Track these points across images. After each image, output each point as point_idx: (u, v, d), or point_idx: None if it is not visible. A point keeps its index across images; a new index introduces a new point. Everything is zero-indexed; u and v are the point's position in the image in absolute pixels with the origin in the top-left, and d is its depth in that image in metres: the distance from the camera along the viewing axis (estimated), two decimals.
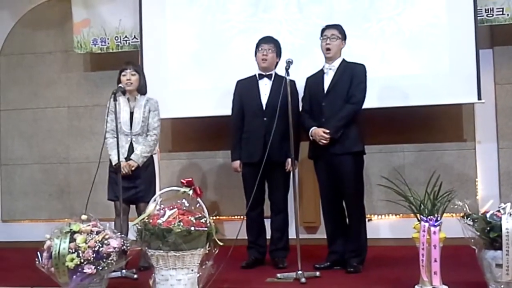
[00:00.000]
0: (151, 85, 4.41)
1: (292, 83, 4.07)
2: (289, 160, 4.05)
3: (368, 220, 4.45)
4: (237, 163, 4.32)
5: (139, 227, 3.17)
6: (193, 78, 5.24)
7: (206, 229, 3.13)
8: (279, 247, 4.26)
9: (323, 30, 4.12)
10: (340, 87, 4.01)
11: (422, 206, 3.24)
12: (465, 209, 3.23)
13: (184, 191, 3.26)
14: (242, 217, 4.23)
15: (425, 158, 5.17)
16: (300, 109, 4.22)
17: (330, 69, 4.08)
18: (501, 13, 4.87)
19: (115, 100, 4.04)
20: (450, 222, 3.33)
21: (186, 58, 5.28)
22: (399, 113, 5.00)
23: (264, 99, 4.26)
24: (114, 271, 3.44)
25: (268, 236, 4.35)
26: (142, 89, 4.32)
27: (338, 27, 4.11)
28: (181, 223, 3.06)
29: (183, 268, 3.09)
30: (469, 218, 3.20)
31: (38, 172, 5.92)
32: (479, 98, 4.78)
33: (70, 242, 3.14)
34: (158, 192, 3.57)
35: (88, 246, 3.13)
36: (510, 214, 3.09)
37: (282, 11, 5.10)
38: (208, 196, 5.33)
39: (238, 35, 5.13)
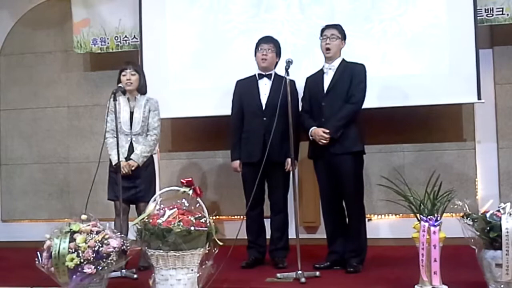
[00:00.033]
0: (150, 84, 4.41)
1: (292, 83, 4.07)
2: (289, 160, 4.05)
3: (368, 220, 4.46)
4: (236, 163, 4.32)
5: (139, 227, 3.17)
6: (193, 78, 5.24)
7: (206, 229, 3.13)
8: (279, 247, 4.26)
9: (322, 30, 4.12)
10: (340, 87, 4.01)
11: (422, 206, 3.24)
12: (465, 209, 3.23)
13: (184, 191, 3.26)
14: (242, 217, 4.23)
15: (425, 158, 5.17)
16: (300, 109, 4.22)
17: (330, 69, 4.09)
18: (501, 13, 4.87)
19: (115, 100, 4.04)
20: (450, 222, 3.33)
21: (186, 58, 5.28)
22: (399, 113, 5.01)
23: (263, 99, 4.26)
24: (114, 271, 3.44)
25: (268, 236, 4.35)
26: (142, 89, 4.32)
27: (337, 27, 4.11)
28: (181, 223, 3.06)
29: (183, 268, 3.09)
30: (469, 218, 3.20)
31: (38, 172, 5.92)
32: (479, 98, 4.78)
33: (70, 242, 3.14)
34: (158, 192, 3.56)
35: (88, 246, 3.13)
36: (510, 214, 3.10)
37: (283, 11, 5.10)
38: (208, 196, 5.34)
39: (239, 36, 5.13)
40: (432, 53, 4.85)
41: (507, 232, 3.04)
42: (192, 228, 3.06)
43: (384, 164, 5.18)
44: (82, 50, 5.62)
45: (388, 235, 5.14)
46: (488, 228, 3.10)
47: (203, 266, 3.16)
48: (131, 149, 4.23)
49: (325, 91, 4.05)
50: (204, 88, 5.17)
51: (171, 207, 3.19)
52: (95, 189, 4.10)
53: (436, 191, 3.24)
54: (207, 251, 3.16)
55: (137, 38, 5.44)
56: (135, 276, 3.85)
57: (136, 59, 5.25)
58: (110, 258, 3.16)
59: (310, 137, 4.05)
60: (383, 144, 5.19)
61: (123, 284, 3.68)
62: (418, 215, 3.24)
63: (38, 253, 3.23)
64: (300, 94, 4.25)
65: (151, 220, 3.12)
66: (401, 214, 4.93)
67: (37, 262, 3.21)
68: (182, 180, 3.31)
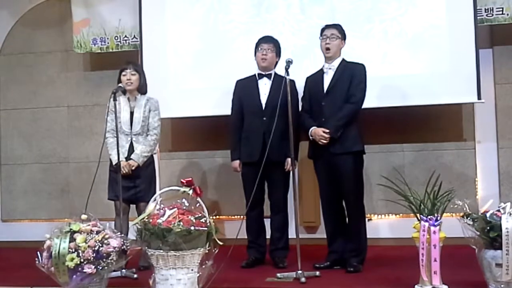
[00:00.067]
0: (150, 84, 4.41)
1: (292, 82, 4.07)
2: (289, 159, 4.05)
3: (368, 220, 4.46)
4: (236, 163, 4.32)
5: (139, 227, 3.17)
6: (193, 78, 5.24)
7: (206, 228, 3.13)
8: (279, 246, 4.26)
9: (322, 30, 4.12)
10: (340, 86, 4.01)
11: (422, 206, 3.24)
12: (465, 209, 3.23)
13: (184, 191, 3.26)
14: (242, 216, 4.23)
15: (425, 158, 5.17)
16: (300, 108, 4.22)
17: (329, 68, 4.08)
18: (500, 12, 4.87)
19: (115, 99, 4.04)
20: (450, 222, 3.33)
21: (186, 57, 5.28)
22: (399, 113, 5.01)
23: (263, 98, 4.26)
24: (114, 270, 3.43)
25: (268, 236, 4.35)
26: (142, 89, 4.31)
27: (337, 27, 4.11)
28: (181, 223, 3.06)
29: (183, 268, 3.09)
30: (469, 218, 3.20)
31: (38, 171, 5.92)
32: (479, 98, 4.78)
33: (70, 242, 3.14)
34: (158, 192, 3.56)
35: (88, 246, 3.13)
36: (510, 214, 3.10)
37: (284, 11, 5.10)
38: (208, 195, 5.34)
39: (240, 36, 5.13)
40: (432, 53, 4.85)
41: (507, 232, 3.04)
42: (192, 228, 3.06)
43: (384, 164, 5.18)
44: (82, 50, 5.63)
45: (388, 235, 5.15)
46: (488, 228, 3.10)
47: (203, 266, 3.16)
48: (131, 149, 4.23)
49: (325, 91, 4.05)
50: (204, 88, 5.17)
51: (171, 207, 3.19)
52: (95, 189, 4.10)
53: (436, 191, 3.25)
54: (207, 251, 3.16)
55: (137, 38, 5.44)
56: (135, 276, 3.85)
57: (136, 59, 5.25)
58: (110, 258, 3.16)
59: (310, 137, 4.05)
60: (383, 144, 5.19)
61: (123, 284, 3.68)
62: (418, 215, 3.24)
63: (38, 253, 3.22)
64: (300, 94, 4.25)
65: (151, 220, 3.12)
66: (401, 214, 4.93)
67: (37, 262, 3.21)
68: (182, 180, 3.30)
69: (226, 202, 5.41)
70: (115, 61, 5.24)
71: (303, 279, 3.62)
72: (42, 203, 5.88)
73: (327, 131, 3.93)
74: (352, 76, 4.01)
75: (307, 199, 5.15)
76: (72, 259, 3.08)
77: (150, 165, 4.32)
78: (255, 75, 4.34)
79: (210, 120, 5.23)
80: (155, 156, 4.51)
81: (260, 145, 4.15)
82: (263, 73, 4.31)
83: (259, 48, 4.28)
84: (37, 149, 5.94)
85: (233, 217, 5.26)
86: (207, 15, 5.26)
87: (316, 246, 4.57)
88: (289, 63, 3.92)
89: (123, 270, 3.80)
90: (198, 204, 3.26)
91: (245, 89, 4.35)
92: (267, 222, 4.34)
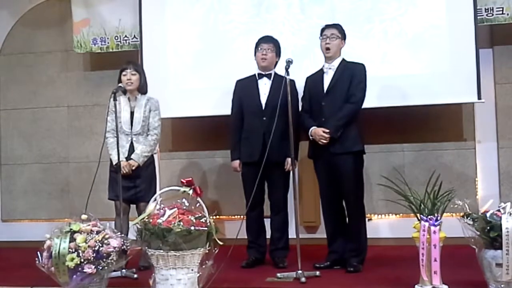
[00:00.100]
0: (150, 84, 4.41)
1: (292, 82, 4.07)
2: (289, 159, 4.05)
3: (368, 220, 4.47)
4: (236, 163, 4.32)
5: (139, 227, 3.17)
6: (193, 78, 5.24)
7: (206, 228, 3.13)
8: (279, 246, 4.26)
9: (322, 30, 4.12)
10: (340, 86, 4.01)
11: (422, 206, 3.24)
12: (465, 209, 3.23)
13: (184, 191, 3.26)
14: (242, 216, 4.23)
15: (425, 158, 5.17)
16: (300, 108, 4.22)
17: (329, 68, 4.08)
18: (501, 12, 4.87)
19: (115, 99, 4.04)
20: (450, 222, 3.34)
21: (186, 57, 5.28)
22: (399, 113, 5.01)
23: (263, 98, 4.26)
24: (114, 270, 3.43)
25: (268, 236, 4.35)
26: (142, 89, 4.31)
27: (337, 27, 4.11)
28: (181, 223, 3.06)
29: (183, 268, 3.09)
30: (469, 218, 3.20)
31: (38, 171, 5.92)
32: (479, 98, 4.78)
33: (70, 242, 3.14)
34: (158, 192, 3.56)
35: (88, 246, 3.13)
36: (510, 214, 3.10)
37: (284, 11, 5.10)
38: (208, 195, 5.33)
39: (240, 36, 5.13)
40: (432, 53, 4.85)
41: (507, 231, 3.04)
42: (192, 228, 3.06)
43: (384, 164, 5.18)
44: (82, 50, 5.63)
45: (388, 235, 5.15)
46: (488, 227, 3.10)
47: (203, 266, 3.16)
48: (131, 149, 4.23)
49: (325, 91, 4.05)
50: (204, 88, 5.17)
51: (171, 207, 3.19)
52: (95, 189, 4.10)
53: (436, 190, 3.25)
54: (207, 251, 3.16)
55: (137, 38, 5.44)
56: (135, 276, 3.85)
57: (136, 58, 5.25)
58: (110, 258, 3.16)
59: (310, 137, 4.05)
60: (383, 143, 5.19)
61: (123, 284, 3.68)
62: (418, 214, 3.24)
63: (38, 253, 3.22)
64: (300, 93, 4.25)
65: (151, 220, 3.12)
66: (401, 214, 4.93)
67: (37, 262, 3.21)
68: (182, 180, 3.30)
69: (226, 202, 5.41)
70: (115, 61, 5.24)
71: (303, 279, 3.62)
72: (42, 203, 5.88)
73: (327, 131, 3.92)
74: (352, 76, 4.01)
75: (307, 199, 5.15)
76: (72, 259, 3.08)
77: (150, 165, 4.32)
78: (255, 75, 4.34)
79: (210, 120, 5.23)
80: (155, 156, 4.51)
81: (260, 145, 4.14)
82: (263, 73, 4.31)
83: (259, 48, 4.28)
84: (37, 149, 5.94)
85: (233, 217, 5.26)
86: (207, 15, 5.26)
87: (316, 246, 4.57)
88: (289, 63, 3.92)
89: (123, 270, 3.80)
90: (198, 204, 3.26)
91: (245, 89, 4.35)
92: (267, 222, 4.33)
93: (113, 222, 4.06)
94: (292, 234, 4.17)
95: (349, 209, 4.05)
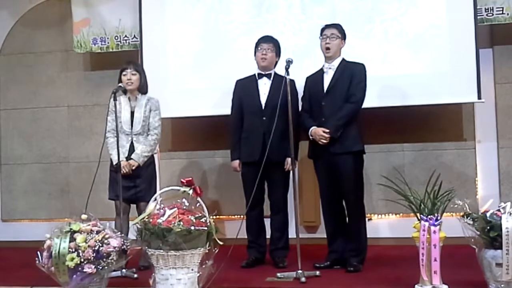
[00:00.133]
0: (150, 84, 4.40)
1: (292, 82, 4.07)
2: (289, 159, 4.05)
3: (368, 220, 4.47)
4: (236, 163, 4.32)
5: (139, 227, 3.17)
6: (194, 78, 5.24)
7: (206, 228, 3.13)
8: (279, 246, 4.26)
9: (322, 30, 4.12)
10: (340, 86, 4.01)
11: (422, 206, 3.24)
12: (465, 209, 3.23)
13: (184, 191, 3.26)
14: (242, 216, 4.23)
15: (425, 158, 5.17)
16: (300, 108, 4.22)
17: (330, 68, 4.08)
18: (501, 12, 4.87)
19: (115, 99, 4.05)
20: (450, 222, 3.34)
21: (186, 57, 5.28)
22: (399, 113, 5.01)
23: (263, 98, 4.26)
24: (114, 270, 3.43)
25: (268, 236, 4.35)
26: (143, 89, 4.31)
27: (337, 27, 4.11)
28: (181, 223, 3.06)
29: (183, 268, 3.09)
30: (469, 218, 3.20)
31: (38, 171, 5.92)
32: (479, 98, 4.78)
33: (70, 242, 3.14)
34: (158, 192, 3.56)
35: (88, 246, 3.13)
36: (510, 214, 3.10)
37: (285, 12, 5.10)
38: (208, 195, 5.33)
39: (241, 36, 5.12)
40: (432, 53, 4.85)
41: (507, 231, 3.04)
42: (192, 227, 3.06)
43: (384, 164, 5.18)
44: (82, 50, 5.63)
45: (388, 235, 5.15)
46: (488, 227, 3.10)
47: (203, 266, 3.16)
48: (131, 149, 4.23)
49: (325, 91, 4.05)
50: (204, 88, 5.17)
51: (171, 206, 3.19)
52: (95, 188, 4.10)
53: (436, 190, 3.24)
54: (207, 251, 3.16)
55: (137, 38, 5.44)
56: (135, 275, 3.85)
57: (136, 58, 5.25)
58: (110, 258, 3.16)
59: (310, 137, 4.05)
60: (383, 143, 5.19)
61: (123, 284, 3.68)
62: (418, 214, 3.24)
63: (38, 252, 3.22)
64: (300, 93, 4.25)
65: (151, 220, 3.12)
66: (401, 214, 4.93)
67: (37, 261, 3.21)
68: (182, 180, 3.30)
69: (226, 202, 5.41)
70: (115, 61, 5.24)
71: (303, 279, 3.62)
72: (42, 203, 5.88)
73: (327, 130, 3.92)
74: (352, 76, 4.01)
75: (307, 199, 5.15)
76: (72, 259, 3.08)
77: (150, 165, 4.32)
78: (254, 75, 4.34)
79: (210, 120, 5.23)
80: (156, 156, 4.51)
81: (260, 145, 4.15)
82: (263, 73, 4.31)
83: (259, 48, 4.28)
84: (37, 149, 5.94)
85: (233, 217, 5.26)
86: (208, 15, 5.26)
87: (316, 245, 4.57)
88: (289, 62, 3.92)
89: (123, 270, 3.80)
90: (198, 204, 3.26)
91: (245, 89, 4.35)
92: (267, 222, 4.33)
93: (113, 222, 4.05)
94: (292, 234, 4.17)
95: (349, 209, 4.05)
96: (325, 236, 4.19)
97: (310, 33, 4.79)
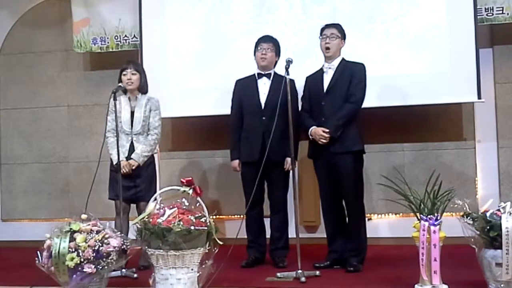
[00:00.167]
0: (150, 84, 4.40)
1: (292, 82, 4.07)
2: (288, 159, 4.05)
3: (368, 219, 4.47)
4: (236, 162, 4.32)
5: (139, 226, 3.17)
6: (194, 78, 5.24)
7: (206, 228, 3.13)
8: (279, 246, 4.26)
9: (322, 29, 4.12)
10: (340, 86, 4.01)
11: (422, 205, 3.24)
12: (465, 208, 3.23)
13: (184, 190, 3.26)
14: (242, 216, 4.23)
15: (425, 157, 5.17)
16: (300, 108, 4.22)
17: (329, 68, 4.08)
18: (501, 12, 4.87)
19: (115, 99, 4.05)
20: (450, 221, 3.34)
21: (186, 57, 5.28)
22: (399, 112, 5.00)
23: (262, 98, 4.26)
24: (114, 270, 3.43)
25: (268, 236, 4.35)
26: (143, 88, 4.31)
27: (337, 26, 4.11)
28: (181, 222, 3.06)
29: (183, 267, 3.09)
30: (469, 217, 3.20)
31: (38, 171, 5.92)
32: (479, 97, 4.78)
33: (70, 242, 3.14)
34: (158, 191, 3.56)
35: (88, 245, 3.13)
36: (510, 213, 3.10)
37: (286, 12, 5.10)
38: (208, 195, 5.33)
39: (241, 36, 5.12)
40: (432, 53, 4.85)
41: (507, 231, 3.04)
42: (192, 227, 3.06)
43: (384, 164, 5.18)
44: (82, 50, 5.63)
45: (388, 235, 5.15)
46: (488, 227, 3.10)
47: (203, 266, 3.16)
48: (132, 149, 4.23)
49: (325, 91, 4.05)
50: (204, 88, 5.17)
51: (171, 206, 3.19)
52: (95, 188, 4.10)
53: (436, 190, 3.24)
54: (207, 251, 3.16)
55: (137, 38, 5.44)
56: (135, 275, 3.85)
57: (136, 58, 5.24)
58: (110, 258, 3.16)
59: (310, 137, 4.05)
60: (383, 143, 5.19)
61: (123, 284, 3.67)
62: (418, 214, 3.24)
63: (38, 252, 3.22)
64: (300, 93, 4.25)
65: (151, 220, 3.12)
66: (401, 214, 4.93)
67: (37, 261, 3.21)
68: (182, 180, 3.30)
69: (226, 201, 5.41)
70: (115, 60, 5.24)
71: (303, 279, 3.62)
72: (42, 203, 5.88)
73: (327, 130, 3.92)
74: (352, 76, 4.01)
75: (307, 199, 5.15)
76: (72, 259, 3.09)
77: (150, 164, 4.32)
78: (254, 74, 4.34)
79: (210, 120, 5.23)
80: (156, 156, 4.51)
81: (260, 144, 4.15)
82: (263, 72, 4.31)
83: (259, 48, 4.28)
84: (37, 148, 5.94)
85: (233, 216, 5.26)
86: (208, 16, 5.26)
87: (316, 245, 4.57)
88: (289, 62, 3.91)
89: (123, 270, 3.80)
90: (198, 203, 3.26)
91: (244, 88, 4.35)
92: (267, 222, 4.33)
93: (113, 221, 4.06)
94: (292, 233, 4.17)
95: (349, 208, 4.04)
96: (325, 236, 4.19)
97: (311, 33, 4.78)
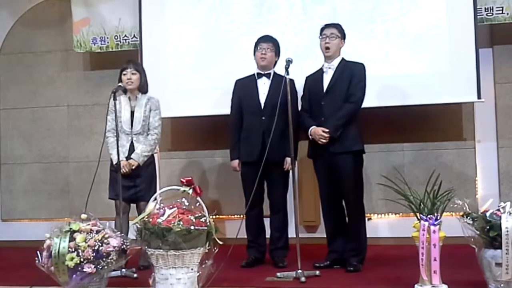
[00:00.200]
0: (150, 84, 4.40)
1: (291, 82, 4.07)
2: (288, 159, 4.05)
3: (368, 219, 4.47)
4: (235, 162, 4.32)
5: (139, 226, 3.17)
6: (194, 78, 5.24)
7: (206, 228, 3.13)
8: (279, 246, 4.26)
9: (322, 29, 4.12)
10: (340, 86, 4.01)
11: (422, 205, 3.24)
12: (464, 208, 3.23)
13: (184, 190, 3.26)
14: (241, 216, 4.23)
15: (425, 157, 5.17)
16: (300, 108, 4.22)
17: (329, 68, 4.08)
18: (500, 12, 4.87)
19: (114, 99, 4.04)
20: (449, 221, 3.34)
21: (186, 57, 5.28)
22: (399, 112, 5.01)
23: (262, 98, 4.26)
24: (113, 270, 3.43)
25: (268, 235, 4.35)
26: (143, 88, 4.31)
27: (337, 26, 4.11)
28: (181, 222, 3.06)
29: (183, 267, 3.09)
30: (468, 217, 3.20)
31: (38, 171, 5.92)
32: (479, 97, 4.78)
33: (70, 241, 3.14)
34: (158, 191, 3.56)
35: (88, 245, 3.13)
36: (510, 213, 3.10)
37: (286, 12, 5.10)
38: (208, 195, 5.33)
39: (241, 36, 5.12)
40: (432, 53, 4.85)
41: (507, 231, 3.04)
42: (192, 227, 3.06)
43: (384, 163, 5.18)
44: (82, 49, 5.63)
45: (388, 234, 5.15)
46: (488, 227, 3.10)
47: (203, 265, 3.16)
48: (132, 149, 4.23)
49: (324, 91, 4.05)
50: (204, 88, 5.17)
51: (171, 206, 3.19)
52: (95, 188, 4.10)
53: (436, 190, 3.24)
54: (207, 251, 3.16)
55: (137, 38, 5.44)
56: (135, 275, 3.85)
57: (136, 58, 5.24)
58: (110, 258, 3.16)
59: (310, 136, 4.05)
60: (383, 143, 5.19)
61: (123, 284, 3.67)
62: (418, 214, 3.24)
63: (38, 252, 3.22)
64: (300, 93, 4.25)
65: (151, 219, 3.12)
66: (401, 213, 4.93)
67: (37, 261, 3.21)
68: (182, 179, 3.30)
69: (226, 201, 5.41)
70: (115, 60, 5.24)
71: (303, 279, 3.62)
72: (42, 203, 5.88)
73: (327, 130, 3.92)
74: (352, 76, 4.01)
75: (307, 199, 5.14)
76: (72, 259, 3.09)
77: (150, 164, 4.31)
78: (254, 74, 4.34)
79: (210, 120, 5.24)
80: (155, 156, 4.51)
81: (259, 144, 4.15)
82: (262, 72, 4.31)
83: (258, 48, 4.28)
84: (37, 148, 5.94)
85: (233, 216, 5.26)
86: (208, 15, 5.26)
87: (316, 245, 4.57)
88: (289, 62, 3.91)
89: (123, 270, 3.80)
90: (198, 203, 3.26)
91: (244, 88, 4.35)
92: (267, 222, 4.33)
93: (113, 221, 4.06)
94: (292, 233, 4.17)
95: (348, 208, 4.04)
96: (325, 236, 4.19)
97: (311, 33, 4.77)
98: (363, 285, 3.56)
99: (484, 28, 5.02)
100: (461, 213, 3.25)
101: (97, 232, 3.22)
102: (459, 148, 5.13)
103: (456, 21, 4.80)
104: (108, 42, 5.54)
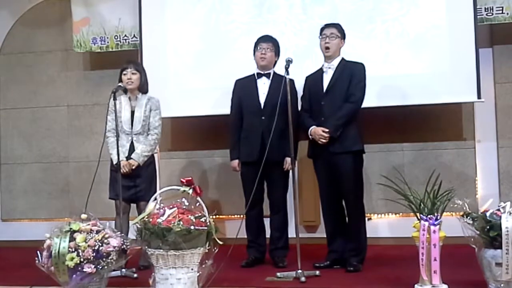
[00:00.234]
0: (150, 84, 4.40)
1: (291, 82, 4.07)
2: (288, 159, 4.05)
3: (368, 219, 4.47)
4: (235, 162, 4.32)
5: (139, 226, 3.17)
6: (194, 78, 5.24)
7: (206, 228, 3.13)
8: (279, 246, 4.26)
9: (322, 29, 4.12)
10: (340, 86, 4.01)
11: (422, 205, 3.24)
12: (464, 208, 3.23)
13: (184, 190, 3.26)
14: (241, 216, 4.23)
15: (424, 157, 5.17)
16: (300, 108, 4.22)
17: (329, 68, 4.08)
18: (500, 12, 4.87)
19: (114, 99, 4.04)
20: (449, 221, 3.34)
21: (186, 57, 5.28)
22: (399, 112, 5.01)
23: (262, 98, 4.26)
24: (114, 270, 3.43)
25: (268, 235, 4.35)
26: (143, 88, 4.31)
27: (337, 26, 4.11)
28: (181, 222, 3.06)
29: (183, 267, 3.09)
30: (468, 217, 3.20)
31: (38, 171, 5.92)
32: (479, 97, 4.78)
33: (70, 241, 3.14)
34: (158, 191, 3.56)
35: (88, 245, 3.13)
36: (510, 213, 3.10)
37: (286, 12, 5.10)
38: (208, 195, 5.33)
39: (241, 36, 5.12)
40: (432, 53, 4.85)
41: (507, 231, 3.04)
42: (192, 227, 3.06)
43: (384, 163, 5.18)
44: (82, 49, 5.63)
45: (388, 234, 5.15)
46: (488, 227, 3.10)
47: (203, 265, 3.16)
48: (132, 149, 4.23)
49: (324, 90, 4.05)
50: (204, 88, 5.17)
51: (171, 206, 3.19)
52: (95, 188, 4.10)
53: (436, 190, 3.24)
54: (207, 251, 3.16)
55: (137, 37, 5.44)
56: (135, 275, 3.85)
57: (136, 58, 5.24)
58: (110, 257, 3.16)
59: (310, 136, 4.05)
60: (383, 143, 5.19)
61: (123, 284, 3.67)
62: (418, 214, 3.24)
63: (38, 252, 3.22)
64: (300, 93, 4.25)
65: (151, 219, 3.12)
66: (401, 213, 4.93)
67: (37, 261, 3.21)
68: (182, 179, 3.30)
69: (226, 201, 5.41)
70: (115, 60, 5.24)
71: (303, 279, 3.62)
72: (42, 203, 5.88)
73: (327, 130, 3.92)
74: (352, 75, 4.01)
75: (307, 199, 5.14)
76: (72, 259, 3.09)
77: (150, 164, 4.31)
78: (254, 74, 4.34)
79: (209, 120, 5.24)
80: (156, 156, 4.51)
81: (259, 144, 4.15)
82: (262, 72, 4.31)
83: (258, 48, 4.28)
84: (37, 148, 5.94)
85: (233, 216, 5.26)
86: (208, 16, 5.26)
87: (316, 245, 4.57)
88: (289, 62, 3.91)
89: (123, 270, 3.80)
90: (198, 203, 3.26)
91: (244, 88, 4.35)
92: (267, 222, 4.33)
93: (113, 221, 4.05)
94: (292, 233, 4.17)
95: (348, 208, 4.04)
96: (325, 236, 4.19)
97: (311, 33, 4.77)
98: (363, 285, 3.56)
99: (484, 28, 5.02)
100: (461, 213, 3.25)
101: (97, 232, 3.22)
102: (459, 148, 5.13)
103: (456, 21, 4.80)
104: (108, 42, 5.54)
